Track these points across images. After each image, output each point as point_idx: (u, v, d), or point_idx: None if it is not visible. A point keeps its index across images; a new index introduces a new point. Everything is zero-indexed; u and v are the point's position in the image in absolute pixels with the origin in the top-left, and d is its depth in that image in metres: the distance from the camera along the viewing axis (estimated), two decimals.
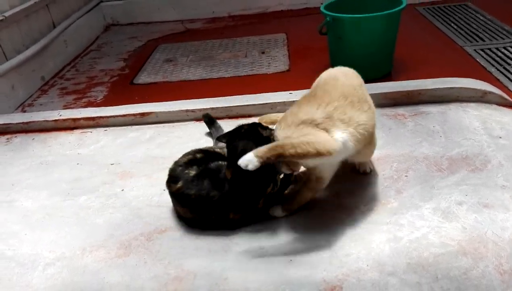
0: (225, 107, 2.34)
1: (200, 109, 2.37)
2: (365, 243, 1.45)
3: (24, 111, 2.72)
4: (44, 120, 2.43)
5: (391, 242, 1.44)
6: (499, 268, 1.32)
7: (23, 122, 2.44)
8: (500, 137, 1.94)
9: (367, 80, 2.52)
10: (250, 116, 2.28)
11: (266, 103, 2.34)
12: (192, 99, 2.45)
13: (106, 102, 2.72)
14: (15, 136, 2.40)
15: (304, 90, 2.46)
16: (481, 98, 2.26)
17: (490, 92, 2.26)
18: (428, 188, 1.67)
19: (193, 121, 2.36)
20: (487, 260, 1.35)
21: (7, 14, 2.82)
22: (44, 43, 3.17)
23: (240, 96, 2.44)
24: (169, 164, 1.98)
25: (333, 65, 2.83)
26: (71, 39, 3.57)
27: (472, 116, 2.13)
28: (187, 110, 2.37)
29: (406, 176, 1.76)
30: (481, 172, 1.73)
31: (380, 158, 1.86)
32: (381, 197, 1.66)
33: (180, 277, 1.38)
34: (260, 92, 2.44)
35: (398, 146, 1.96)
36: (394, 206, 1.59)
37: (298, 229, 1.52)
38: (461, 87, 2.27)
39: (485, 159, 1.81)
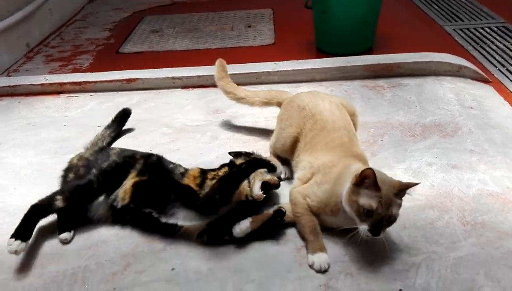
0: (211, 75, 2.38)
1: (186, 77, 2.42)
2: None
3: (10, 76, 2.72)
4: (30, 84, 2.44)
5: None
6: (462, 219, 1.44)
7: (9, 86, 2.45)
8: (472, 108, 2.05)
9: (349, 54, 2.61)
10: (237, 84, 2.33)
11: (252, 72, 2.41)
12: (178, 68, 2.50)
13: (91, 70, 2.73)
14: (1, 100, 2.41)
15: (288, 61, 2.56)
16: (456, 72, 2.36)
17: (465, 67, 2.37)
18: (402, 151, 1.78)
19: (179, 89, 2.41)
20: (452, 212, 1.47)
21: None
22: (29, 10, 3.14)
23: (226, 65, 2.49)
24: (156, 127, 2.06)
25: (317, 39, 2.92)
26: (56, 8, 3.54)
27: (447, 88, 2.24)
28: (173, 78, 2.41)
29: (381, 140, 1.86)
30: (451, 138, 1.84)
31: (359, 124, 1.95)
32: None
33: None
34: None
35: (376, 114, 2.05)
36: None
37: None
38: (438, 62, 2.37)
39: (456, 126, 1.92)
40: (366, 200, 1.21)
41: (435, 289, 1.21)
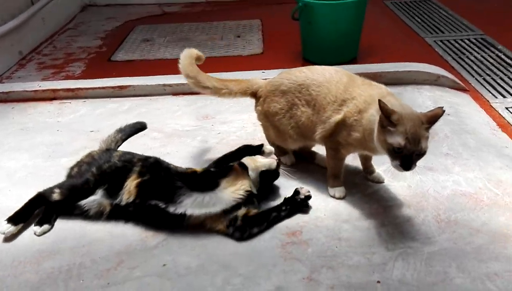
0: None
1: (177, 84, 2.50)
2: (324, 197, 1.64)
3: (3, 83, 2.77)
4: (23, 90, 2.50)
5: (347, 197, 1.63)
6: (437, 217, 1.53)
7: (2, 92, 2.50)
8: (449, 115, 2.16)
9: (334, 64, 2.71)
10: None
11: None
12: (169, 75, 2.58)
13: (84, 77, 2.80)
14: None
15: (276, 70, 2.65)
16: (435, 81, 2.49)
17: (443, 76, 2.49)
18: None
19: (170, 95, 2.49)
20: (427, 211, 1.56)
21: None
22: (22, 19, 3.20)
23: (215, 73, 2.57)
24: (147, 131, 2.12)
25: (303, 49, 3.02)
26: (48, 17, 3.60)
27: (425, 96, 2.36)
28: (164, 85, 2.49)
29: None
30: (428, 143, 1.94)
31: None
32: None
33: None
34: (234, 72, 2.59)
35: None
36: (352, 168, 1.78)
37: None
38: (417, 71, 2.49)
39: (433, 132, 2.01)
40: (394, 139, 1.32)
41: (411, 281, 1.29)
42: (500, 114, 2.22)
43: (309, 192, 1.57)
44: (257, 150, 1.57)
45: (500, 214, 1.54)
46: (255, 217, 1.48)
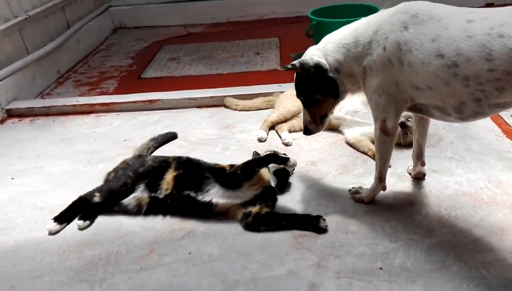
0: (223, 96, 2.69)
1: (201, 98, 2.72)
2: (333, 196, 1.79)
3: (44, 99, 3.05)
4: (63, 105, 2.77)
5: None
6: (438, 214, 1.67)
7: (45, 107, 2.78)
8: None
9: None
10: None
11: (258, 93, 2.69)
12: (193, 90, 2.81)
13: (116, 93, 3.05)
14: (38, 119, 2.73)
15: (291, 83, 2.83)
16: None
17: None
18: None
19: (195, 108, 2.71)
20: (429, 208, 1.70)
21: (30, 13, 3.17)
22: (60, 41, 3.52)
23: (235, 87, 2.80)
24: (174, 140, 2.33)
25: None
26: (83, 39, 3.93)
27: None
28: (189, 98, 2.72)
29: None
30: (434, 147, 2.08)
31: None
32: (350, 165, 2.00)
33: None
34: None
35: None
36: (360, 171, 1.94)
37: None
38: None
39: (439, 138, 2.16)
40: None
41: (411, 268, 1.43)
42: (505, 121, 2.33)
43: (326, 226, 1.59)
44: (283, 160, 1.71)
45: (499, 211, 1.66)
46: (266, 217, 1.63)
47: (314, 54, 1.60)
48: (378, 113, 1.55)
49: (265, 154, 1.76)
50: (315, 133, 1.74)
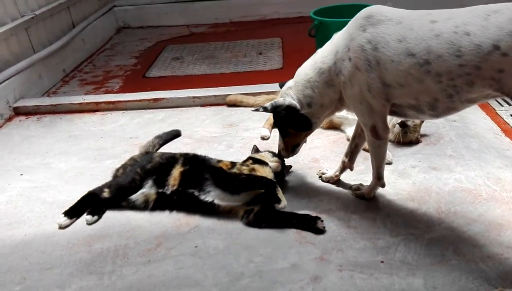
0: (226, 95, 2.74)
1: (205, 97, 2.76)
2: (335, 192, 1.84)
3: (51, 97, 3.10)
4: (70, 103, 2.82)
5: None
6: (438, 209, 1.71)
7: (51, 105, 2.83)
8: (455, 121, 2.33)
9: None
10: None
11: (261, 92, 2.73)
12: (197, 88, 2.85)
13: (122, 92, 3.10)
14: (45, 116, 2.78)
15: None
16: None
17: None
18: (390, 156, 2.06)
19: (199, 107, 2.75)
20: (429, 204, 1.74)
21: (37, 12, 3.22)
22: (65, 40, 3.57)
23: (238, 86, 2.84)
24: (179, 138, 2.38)
25: None
26: (88, 38, 3.97)
27: None
28: (193, 97, 2.76)
29: None
30: (434, 145, 2.13)
31: None
32: None
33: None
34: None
35: None
36: (361, 168, 1.98)
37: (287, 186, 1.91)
38: None
39: (439, 136, 2.21)
40: None
41: (411, 261, 1.47)
42: (504, 120, 2.37)
43: (324, 227, 1.62)
44: (275, 199, 1.67)
45: (497, 207, 1.70)
46: (267, 214, 1.66)
47: (287, 93, 1.69)
48: (365, 120, 1.59)
49: (265, 181, 1.71)
50: (287, 158, 1.86)
